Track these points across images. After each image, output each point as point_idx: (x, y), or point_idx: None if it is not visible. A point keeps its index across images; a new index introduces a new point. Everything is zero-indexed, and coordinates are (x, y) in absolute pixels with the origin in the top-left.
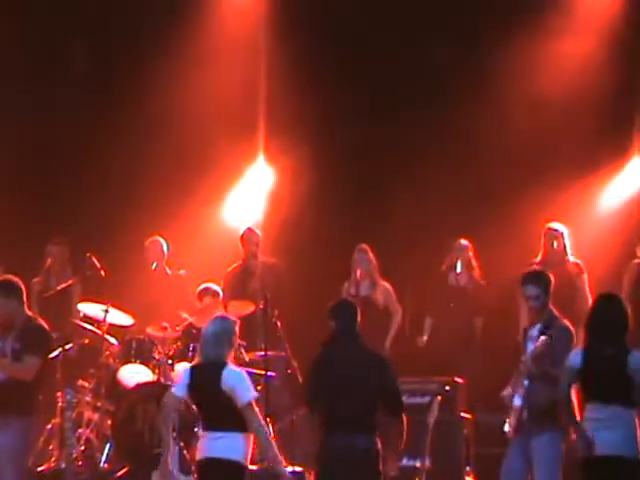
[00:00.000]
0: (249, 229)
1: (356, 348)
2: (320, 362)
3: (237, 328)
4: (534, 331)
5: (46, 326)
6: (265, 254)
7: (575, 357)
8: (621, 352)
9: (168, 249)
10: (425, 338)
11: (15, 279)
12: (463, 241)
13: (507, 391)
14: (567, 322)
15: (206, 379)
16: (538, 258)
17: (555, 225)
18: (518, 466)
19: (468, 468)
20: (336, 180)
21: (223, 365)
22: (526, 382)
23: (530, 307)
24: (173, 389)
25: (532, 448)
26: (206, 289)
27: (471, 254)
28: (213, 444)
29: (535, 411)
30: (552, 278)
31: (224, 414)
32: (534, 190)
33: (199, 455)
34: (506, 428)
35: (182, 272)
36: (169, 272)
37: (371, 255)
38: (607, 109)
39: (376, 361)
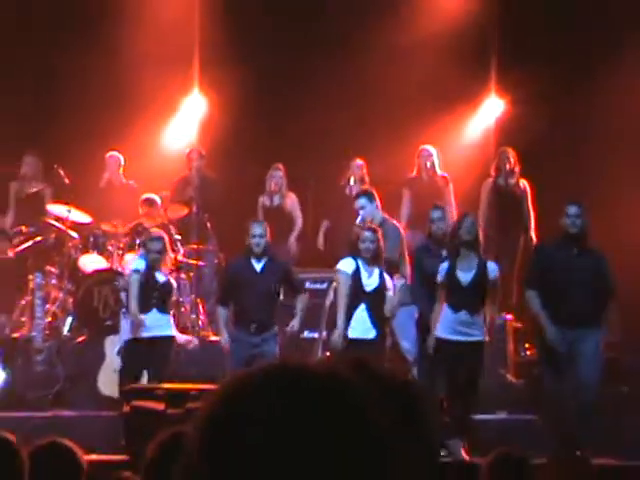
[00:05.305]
0: (192, 149)
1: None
2: (230, 268)
3: None
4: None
5: None
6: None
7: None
8: (479, 263)
9: (124, 162)
10: (321, 238)
11: None
12: (359, 160)
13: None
14: (396, 222)
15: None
16: (414, 173)
17: (427, 147)
18: None
19: None
20: (259, 109)
21: None
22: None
23: (360, 215)
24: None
25: None
26: (145, 199)
27: (365, 171)
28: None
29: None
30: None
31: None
32: (412, 120)
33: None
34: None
35: (132, 182)
36: (124, 181)
37: (282, 172)
38: (470, 48)
39: (276, 266)
